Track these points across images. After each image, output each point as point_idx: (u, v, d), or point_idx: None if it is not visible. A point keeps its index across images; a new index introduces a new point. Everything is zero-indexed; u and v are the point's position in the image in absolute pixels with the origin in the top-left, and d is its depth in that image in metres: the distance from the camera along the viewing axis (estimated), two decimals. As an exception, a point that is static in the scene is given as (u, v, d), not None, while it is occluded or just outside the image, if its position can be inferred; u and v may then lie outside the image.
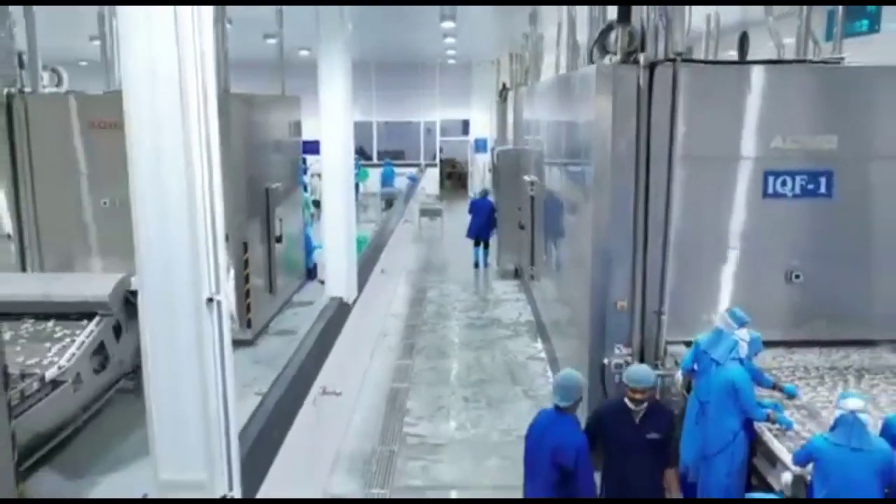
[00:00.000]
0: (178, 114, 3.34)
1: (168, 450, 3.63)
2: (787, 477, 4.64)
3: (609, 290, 6.79)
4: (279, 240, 11.36)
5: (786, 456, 4.79)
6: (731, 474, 5.22)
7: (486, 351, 10.68)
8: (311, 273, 13.47)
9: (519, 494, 5.51)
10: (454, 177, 29.86)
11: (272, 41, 14.12)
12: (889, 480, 4.29)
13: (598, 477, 5.28)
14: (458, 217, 18.79)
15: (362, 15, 12.23)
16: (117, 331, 8.09)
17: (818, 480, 4.38)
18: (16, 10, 10.29)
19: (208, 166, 3.48)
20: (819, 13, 9.36)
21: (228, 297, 3.73)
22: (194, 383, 3.54)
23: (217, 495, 3.72)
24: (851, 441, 4.26)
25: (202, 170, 3.45)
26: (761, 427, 5.15)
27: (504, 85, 20.75)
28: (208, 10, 3.53)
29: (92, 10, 11.72)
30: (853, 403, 4.33)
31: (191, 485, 3.66)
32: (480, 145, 27.59)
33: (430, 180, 26.83)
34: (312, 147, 18.75)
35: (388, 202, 22.27)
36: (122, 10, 3.31)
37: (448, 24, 15.14)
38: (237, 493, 3.85)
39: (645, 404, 5.26)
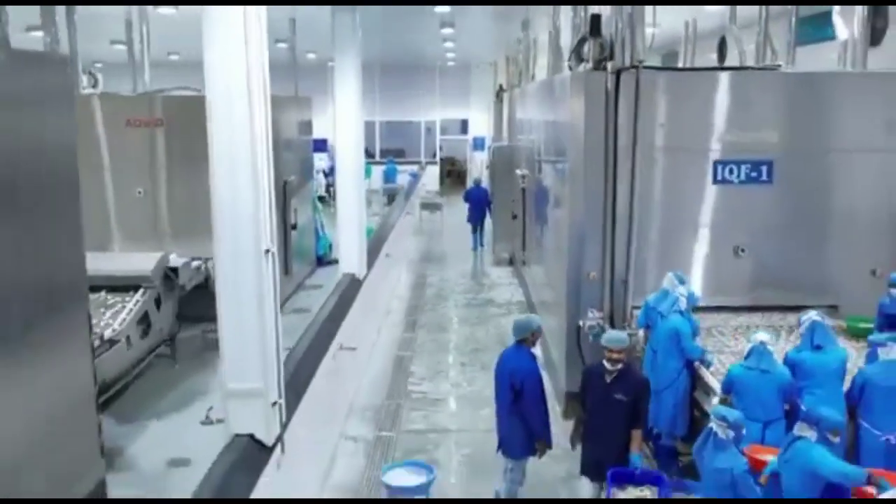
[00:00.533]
0: (246, 113, 4.52)
1: (234, 365, 4.82)
2: (715, 401, 5.83)
3: (582, 263, 7.98)
4: (294, 227, 12.55)
5: (717, 385, 5.99)
6: (676, 405, 6.41)
7: (480, 326, 11.88)
8: (320, 260, 14.66)
9: None
10: (453, 174, 31.03)
11: (283, 45, 15.30)
12: (788, 397, 5.48)
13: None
14: (458, 212, 20.00)
15: (368, 20, 13.41)
16: (158, 302, 9.30)
17: (736, 400, 5.58)
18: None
19: (265, 152, 4.67)
20: (778, 22, 10.55)
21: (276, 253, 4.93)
22: (254, 313, 4.73)
23: (270, 401, 4.91)
24: (760, 365, 5.46)
25: (261, 154, 4.64)
26: (699, 365, 6.36)
27: (501, 86, 21.96)
28: (264, 29, 4.70)
29: (113, 17, 12.90)
30: (762, 336, 5.54)
31: (251, 392, 4.86)
32: (479, 144, 28.77)
33: (431, 177, 28.02)
34: (319, 145, 19.96)
35: (391, 198, 23.47)
36: (207, 32, 4.48)
37: (448, 31, 16.34)
38: (282, 402, 5.05)
39: (619, 366, 5.70)
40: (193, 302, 10.41)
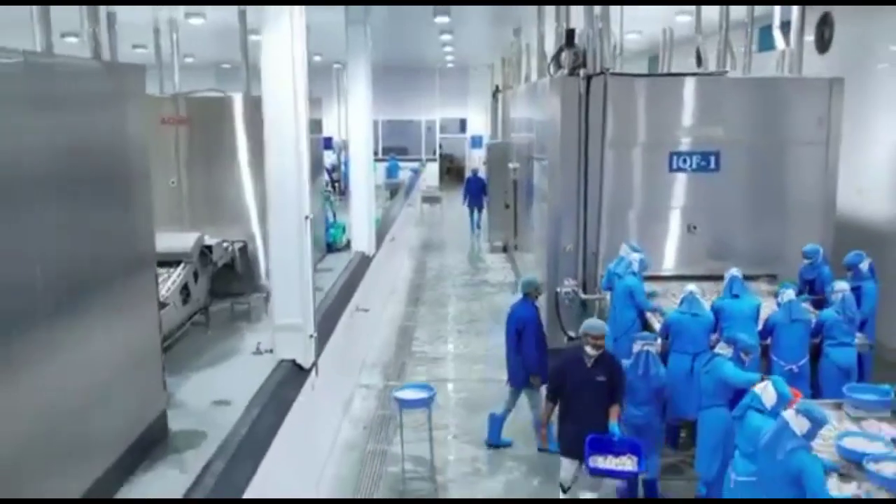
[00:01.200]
0: (291, 108, 5.98)
1: (281, 305, 6.29)
2: (658, 342, 7.28)
3: (559, 238, 9.43)
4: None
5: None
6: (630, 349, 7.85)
7: (475, 302, 13.37)
8: (329, 247, 16.13)
9: (495, 387, 8.24)
10: (452, 171, 32.51)
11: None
12: (712, 334, 6.95)
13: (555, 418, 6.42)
14: (457, 205, 21.55)
15: (373, 26, 14.88)
16: (195, 276, 10.79)
17: (672, 341, 7.04)
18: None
19: (306, 140, 6.14)
20: (738, 31, 12.00)
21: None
22: (297, 264, 6.20)
23: (308, 333, 6.38)
24: (692, 310, 6.92)
25: (302, 143, 6.12)
26: (650, 315, 7.83)
27: (497, 87, 23.41)
28: (303, 35, 6.13)
29: (136, 25, 14.30)
30: (691, 286, 7.01)
31: (293, 326, 6.32)
32: (476, 142, 30.26)
33: (431, 174, 29.52)
34: (325, 143, 21.41)
35: (392, 192, 24.95)
36: (265, 48, 5.94)
37: (446, 37, 17.81)
38: (316, 335, 6.51)
39: (598, 352, 6.10)
40: (221, 279, 11.92)
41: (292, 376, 6.35)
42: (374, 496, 6.81)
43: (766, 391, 4.87)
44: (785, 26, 10.93)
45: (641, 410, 6.31)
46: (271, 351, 6.45)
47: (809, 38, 12.90)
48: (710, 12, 12.27)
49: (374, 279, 11.23)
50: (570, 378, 6.17)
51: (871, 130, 10.89)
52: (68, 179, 5.72)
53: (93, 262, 6.16)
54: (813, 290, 8.23)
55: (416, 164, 28.83)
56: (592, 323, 6.33)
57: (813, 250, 8.27)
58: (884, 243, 10.40)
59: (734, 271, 7.32)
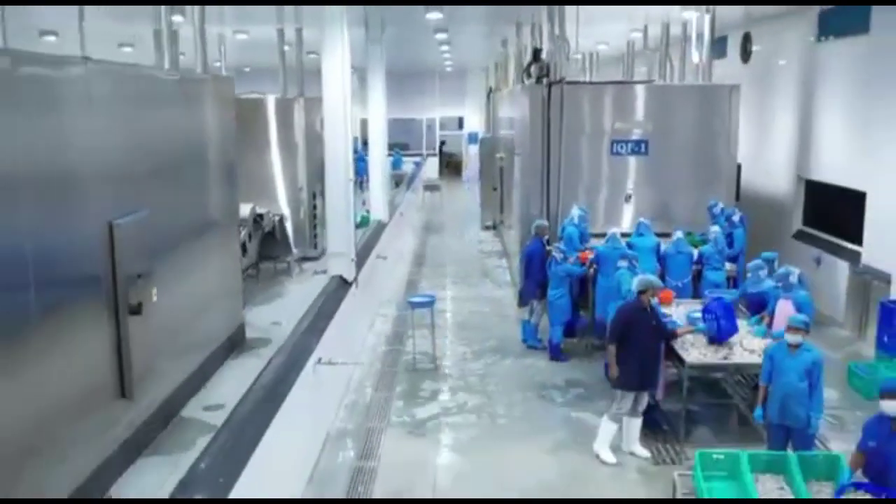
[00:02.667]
0: (342, 106, 9.16)
1: (333, 239, 9.48)
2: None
3: (530, 205, 12.59)
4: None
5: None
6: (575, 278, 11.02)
7: (468, 264, 16.56)
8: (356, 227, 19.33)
9: (479, 316, 11.49)
10: (451, 165, 35.75)
11: (314, 56, 19.88)
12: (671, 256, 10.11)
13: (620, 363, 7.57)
14: (454, 195, 24.69)
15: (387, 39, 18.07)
16: (249, 237, 13.97)
17: (599, 266, 10.19)
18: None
19: (349, 127, 9.32)
20: (677, 46, 15.17)
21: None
22: (344, 211, 9.38)
23: (350, 258, 9.55)
24: (613, 245, 10.05)
25: (348, 127, 9.29)
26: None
27: (490, 88, 26.59)
28: (348, 56, 9.29)
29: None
30: (613, 229, 10.21)
31: (341, 252, 9.50)
32: (473, 138, 33.40)
33: (431, 167, 32.71)
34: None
35: (396, 182, 28.19)
36: (326, 60, 9.11)
37: (445, 46, 20.96)
38: (355, 259, 9.70)
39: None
40: (265, 245, 15.08)
41: (340, 286, 9.53)
42: (394, 371, 9.98)
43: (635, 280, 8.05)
44: (719, 41, 14.15)
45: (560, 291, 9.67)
46: (325, 272, 9.64)
47: (736, 52, 16.17)
48: (656, 30, 15.52)
49: (389, 238, 14.46)
50: (637, 325, 7.46)
51: (775, 121, 14.12)
52: (197, 161, 8.85)
53: (209, 217, 9.32)
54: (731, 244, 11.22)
55: (418, 159, 32.01)
56: (655, 280, 7.82)
57: (713, 204, 11.40)
58: (783, 212, 13.65)
59: (642, 219, 10.49)
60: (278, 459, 6.14)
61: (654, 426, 8.03)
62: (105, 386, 5.08)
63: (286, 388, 6.66)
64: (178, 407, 6.33)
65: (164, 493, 4.79)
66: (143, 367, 5.56)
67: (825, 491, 5.57)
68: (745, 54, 15.81)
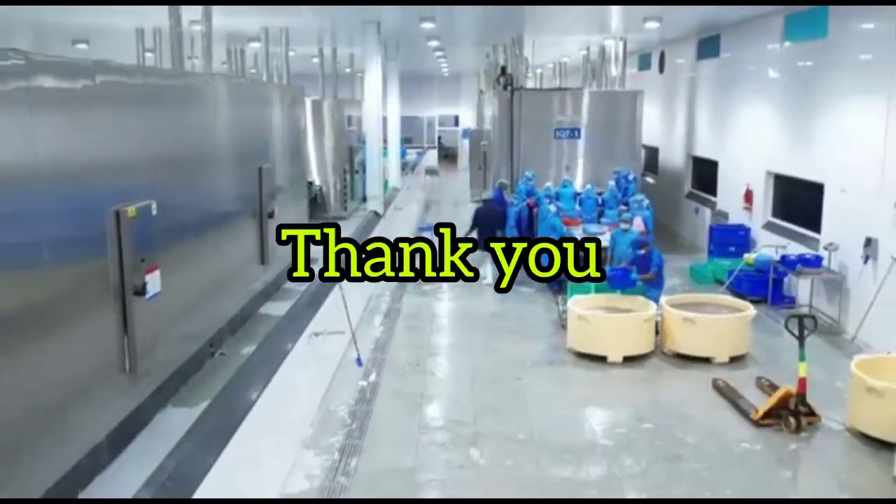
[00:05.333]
0: (377, 105, 14.89)
1: (370, 189, 15.27)
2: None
3: (500, 174, 18.26)
4: (356, 172, 22.97)
5: (537, 208, 16.37)
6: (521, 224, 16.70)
7: (457, 216, 22.30)
8: (364, 199, 24.99)
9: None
10: (448, 157, 41.51)
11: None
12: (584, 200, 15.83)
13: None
14: (451, 180, 30.32)
15: (392, 46, 23.87)
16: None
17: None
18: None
19: (381, 120, 15.06)
20: (632, 57, 20.88)
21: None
22: (377, 168, 15.14)
23: (382, 201, 15.31)
24: (563, 183, 15.74)
25: (380, 120, 15.03)
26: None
27: (481, 90, 32.28)
28: (380, 64, 15.01)
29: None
30: (549, 183, 15.94)
31: (376, 196, 15.29)
32: (466, 133, 39.07)
33: (431, 157, 38.43)
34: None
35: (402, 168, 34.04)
36: (368, 76, 14.84)
37: (440, 54, 26.68)
38: (383, 201, 15.45)
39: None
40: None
41: (374, 217, 15.27)
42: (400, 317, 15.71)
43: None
44: (644, 57, 20.00)
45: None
46: (366, 209, 15.40)
47: (656, 65, 21.94)
48: (596, 50, 21.34)
49: (401, 199, 20.25)
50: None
51: (676, 115, 19.92)
52: (287, 147, 14.56)
53: (295, 177, 15.05)
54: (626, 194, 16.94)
55: (420, 150, 37.80)
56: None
57: (624, 172, 17.11)
58: (680, 179, 19.41)
59: (565, 175, 16.22)
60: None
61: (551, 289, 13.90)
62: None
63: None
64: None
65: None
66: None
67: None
68: (661, 67, 21.55)
